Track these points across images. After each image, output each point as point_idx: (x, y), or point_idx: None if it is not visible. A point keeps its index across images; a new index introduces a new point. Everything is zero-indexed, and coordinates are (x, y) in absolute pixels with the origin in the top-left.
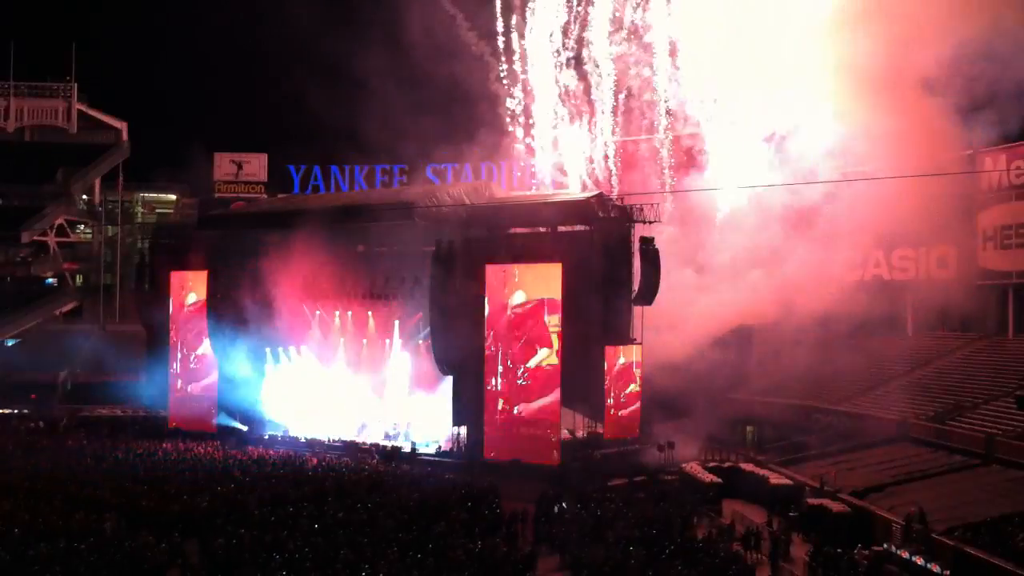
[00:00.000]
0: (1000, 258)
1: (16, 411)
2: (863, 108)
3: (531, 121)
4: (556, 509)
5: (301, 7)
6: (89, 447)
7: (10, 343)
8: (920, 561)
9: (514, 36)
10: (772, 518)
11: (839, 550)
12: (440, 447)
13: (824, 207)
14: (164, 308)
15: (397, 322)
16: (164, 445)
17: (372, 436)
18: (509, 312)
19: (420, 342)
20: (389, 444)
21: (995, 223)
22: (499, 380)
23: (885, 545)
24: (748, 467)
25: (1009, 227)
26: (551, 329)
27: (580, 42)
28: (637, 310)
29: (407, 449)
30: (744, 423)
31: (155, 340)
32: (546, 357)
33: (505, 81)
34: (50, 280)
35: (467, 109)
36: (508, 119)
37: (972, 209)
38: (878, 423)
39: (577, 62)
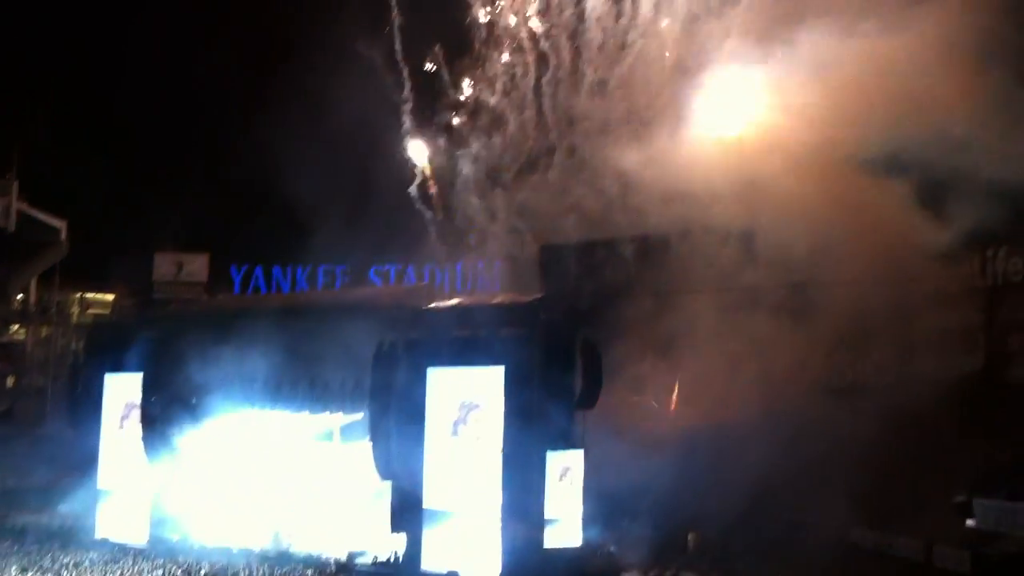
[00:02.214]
0: None
1: None
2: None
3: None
4: None
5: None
6: (14, 556)
7: None
8: None
9: None
10: None
11: None
12: (375, 558)
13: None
14: (97, 411)
15: (337, 426)
16: (91, 555)
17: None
18: (450, 415)
19: (360, 446)
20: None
21: None
22: (438, 486)
23: None
24: (689, 575)
25: None
26: (492, 433)
27: None
28: (581, 413)
29: (343, 559)
30: (687, 529)
31: (86, 444)
32: (486, 462)
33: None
34: None
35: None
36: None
37: None
38: (821, 530)
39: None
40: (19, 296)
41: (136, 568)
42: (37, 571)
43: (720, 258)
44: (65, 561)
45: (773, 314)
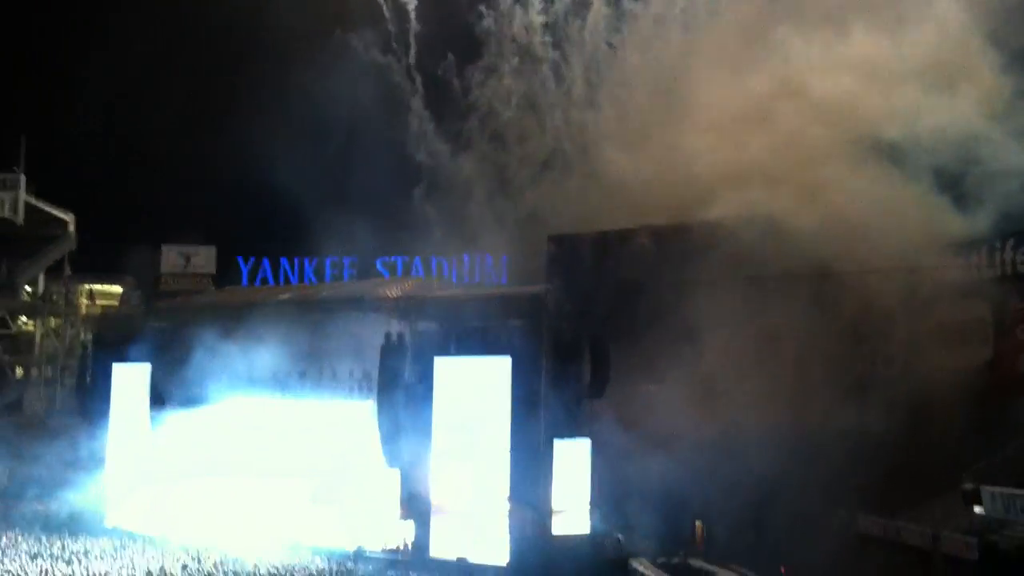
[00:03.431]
0: None
1: None
2: None
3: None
4: None
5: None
6: (25, 543)
7: None
8: None
9: None
10: None
11: None
12: (385, 546)
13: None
14: (106, 401)
15: (346, 415)
16: (100, 542)
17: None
18: (459, 405)
19: (368, 434)
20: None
21: None
22: (446, 474)
23: None
24: (697, 563)
25: None
26: (500, 422)
27: None
28: (588, 403)
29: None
30: (694, 518)
31: (95, 434)
32: (494, 451)
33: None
34: None
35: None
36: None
37: None
38: (829, 520)
39: None
40: (28, 288)
41: (145, 556)
42: (48, 558)
43: (732, 248)
44: (75, 549)
45: (783, 304)
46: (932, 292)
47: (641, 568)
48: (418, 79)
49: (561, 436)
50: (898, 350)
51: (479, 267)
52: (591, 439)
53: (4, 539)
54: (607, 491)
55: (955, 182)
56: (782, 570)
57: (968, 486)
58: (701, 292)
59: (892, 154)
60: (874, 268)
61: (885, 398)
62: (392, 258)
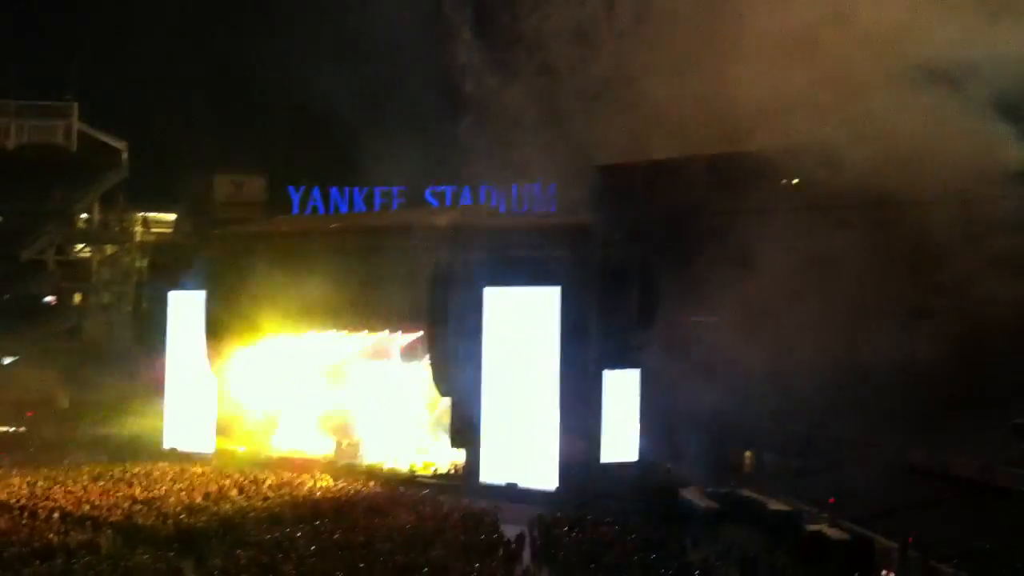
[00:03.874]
0: None
1: (13, 429)
2: None
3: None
4: (553, 533)
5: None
6: (87, 466)
7: (7, 361)
8: None
9: None
10: (770, 544)
11: None
12: (436, 469)
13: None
14: (162, 328)
15: (396, 345)
16: (160, 465)
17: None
18: (509, 335)
19: (419, 364)
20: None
21: None
22: (496, 402)
23: (884, 573)
24: (747, 492)
25: None
26: (549, 352)
27: None
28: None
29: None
30: (743, 448)
31: (152, 359)
32: (543, 379)
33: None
34: (48, 299)
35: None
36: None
37: None
38: (879, 450)
39: None
40: (83, 216)
41: (203, 478)
42: (108, 479)
43: (784, 177)
44: (135, 471)
45: (836, 234)
46: (988, 223)
47: (690, 497)
48: (467, 8)
49: (610, 366)
50: (952, 281)
51: (528, 197)
52: (640, 368)
53: (67, 461)
54: (656, 420)
55: (1013, 111)
56: (831, 501)
57: (1020, 420)
58: (751, 221)
59: (948, 82)
60: (929, 198)
61: (938, 329)
62: (441, 187)
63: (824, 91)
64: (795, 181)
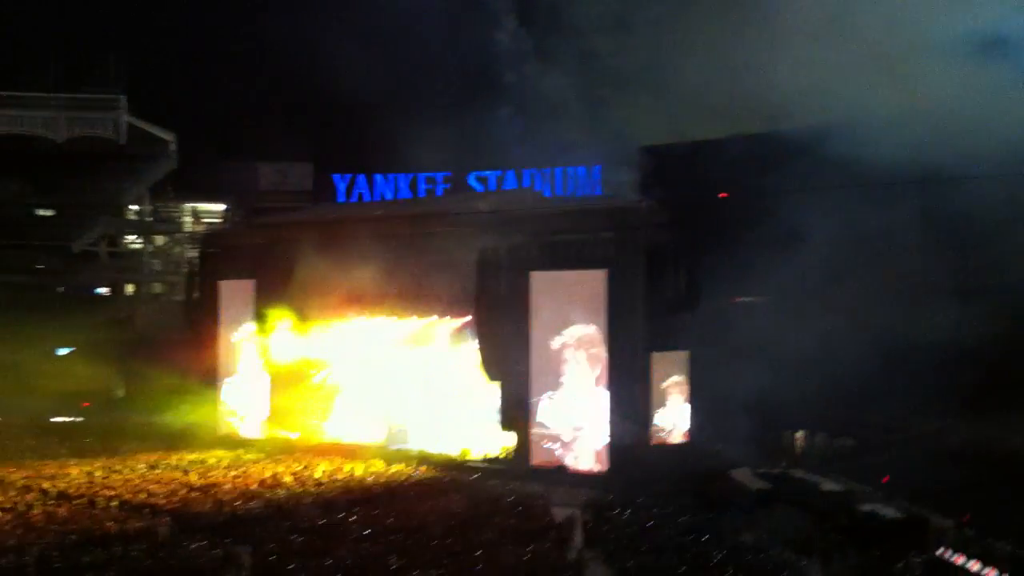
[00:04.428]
0: None
1: (70, 419)
2: None
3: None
4: (604, 516)
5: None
6: (143, 454)
7: (63, 352)
8: (976, 567)
9: None
10: (823, 525)
11: (892, 557)
12: (486, 454)
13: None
14: (213, 317)
15: (444, 330)
16: (215, 452)
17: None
18: (554, 318)
19: (467, 349)
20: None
21: None
22: (545, 385)
23: (940, 551)
24: (798, 473)
25: None
26: (596, 335)
27: None
28: (685, 315)
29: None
30: (794, 429)
31: (204, 348)
32: (591, 363)
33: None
34: (102, 290)
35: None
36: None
37: None
38: (930, 429)
39: None
40: (133, 207)
41: (257, 465)
42: (164, 467)
43: (829, 154)
44: (191, 459)
45: (883, 211)
46: None
47: (740, 478)
48: None
49: (658, 348)
50: (1002, 258)
51: (573, 180)
52: (688, 350)
53: (123, 450)
54: (705, 402)
55: None
56: (884, 480)
57: None
58: (798, 201)
59: (998, 53)
60: (978, 173)
61: (987, 307)
62: (485, 172)
63: (869, 65)
64: (840, 159)
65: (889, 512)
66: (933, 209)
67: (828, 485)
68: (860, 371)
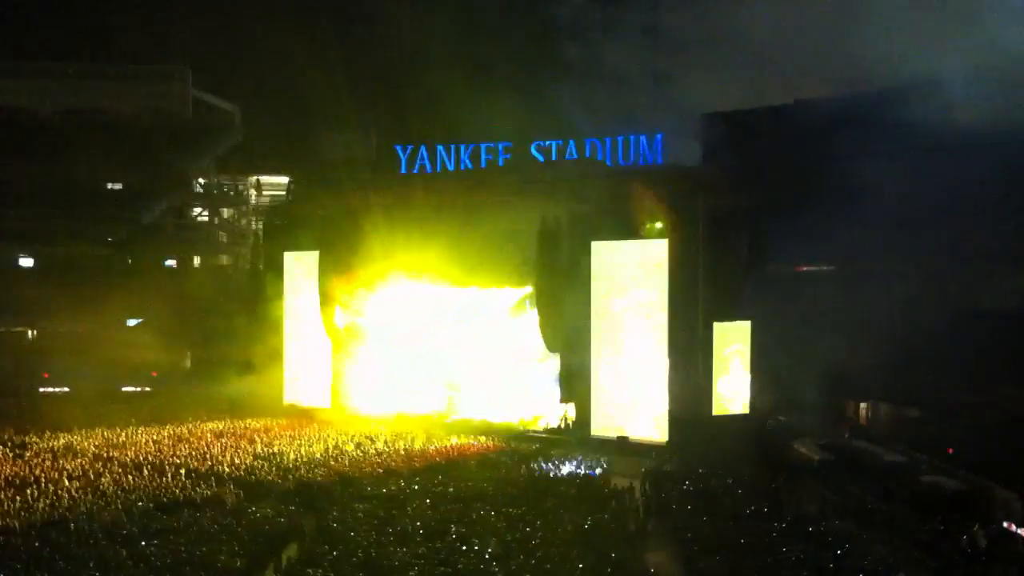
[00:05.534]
0: None
1: (139, 389)
2: None
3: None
4: (664, 485)
5: None
6: (210, 423)
7: (132, 323)
8: None
9: None
10: (886, 495)
11: (957, 529)
12: (546, 424)
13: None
14: (279, 288)
15: (505, 300)
16: (280, 421)
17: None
18: (615, 287)
19: (527, 319)
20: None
21: None
22: (606, 355)
23: (1004, 524)
24: (861, 443)
25: None
26: (658, 304)
27: None
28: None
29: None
30: (857, 399)
31: (270, 319)
32: (652, 332)
33: None
34: (169, 262)
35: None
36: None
37: None
38: (996, 400)
39: None
40: (199, 180)
41: (322, 434)
42: (230, 436)
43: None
44: (256, 427)
45: (957, 178)
46: None
47: (803, 448)
48: None
49: (720, 318)
50: None
51: (634, 148)
52: (751, 320)
53: (190, 419)
54: (768, 371)
55: None
56: (949, 451)
57: None
58: (864, 167)
59: None
60: None
61: None
62: (547, 142)
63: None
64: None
65: (952, 484)
66: (1009, 172)
67: (891, 456)
68: (926, 340)
